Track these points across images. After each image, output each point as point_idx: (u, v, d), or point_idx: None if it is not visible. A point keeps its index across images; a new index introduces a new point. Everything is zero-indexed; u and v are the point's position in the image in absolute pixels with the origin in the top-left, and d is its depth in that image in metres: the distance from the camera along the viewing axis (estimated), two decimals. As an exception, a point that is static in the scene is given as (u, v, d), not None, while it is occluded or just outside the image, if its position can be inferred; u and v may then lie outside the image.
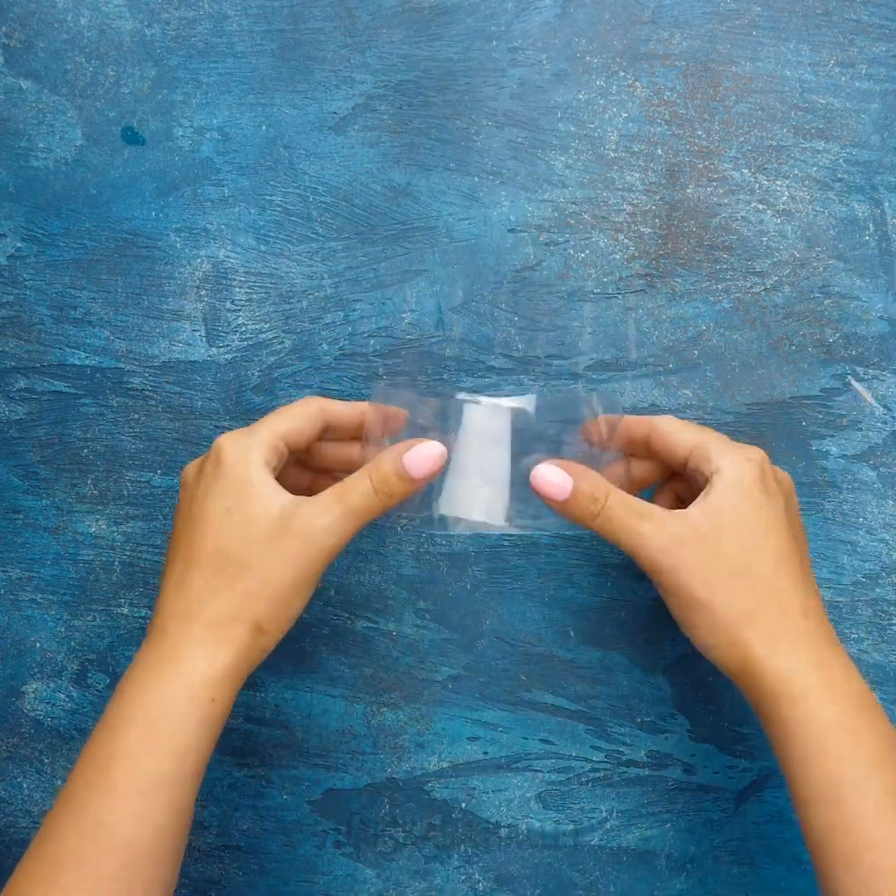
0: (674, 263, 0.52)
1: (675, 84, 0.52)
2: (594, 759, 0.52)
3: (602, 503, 0.40)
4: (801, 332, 0.51)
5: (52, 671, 0.53)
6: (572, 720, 0.52)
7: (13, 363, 0.54)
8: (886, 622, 0.51)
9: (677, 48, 0.52)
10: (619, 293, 0.52)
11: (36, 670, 0.53)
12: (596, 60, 0.52)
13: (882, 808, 0.37)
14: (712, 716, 0.51)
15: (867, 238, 0.51)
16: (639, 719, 0.51)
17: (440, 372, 0.52)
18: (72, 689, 0.53)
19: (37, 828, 0.47)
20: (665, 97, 0.52)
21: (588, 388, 0.51)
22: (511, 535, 0.52)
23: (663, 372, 0.52)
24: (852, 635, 0.51)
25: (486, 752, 0.52)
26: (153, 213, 0.53)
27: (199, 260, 0.53)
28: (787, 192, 0.51)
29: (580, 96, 0.52)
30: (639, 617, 0.51)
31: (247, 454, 0.41)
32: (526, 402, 0.43)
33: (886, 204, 0.51)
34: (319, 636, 0.52)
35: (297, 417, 0.44)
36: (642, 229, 0.52)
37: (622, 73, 0.52)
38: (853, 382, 0.51)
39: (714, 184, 0.52)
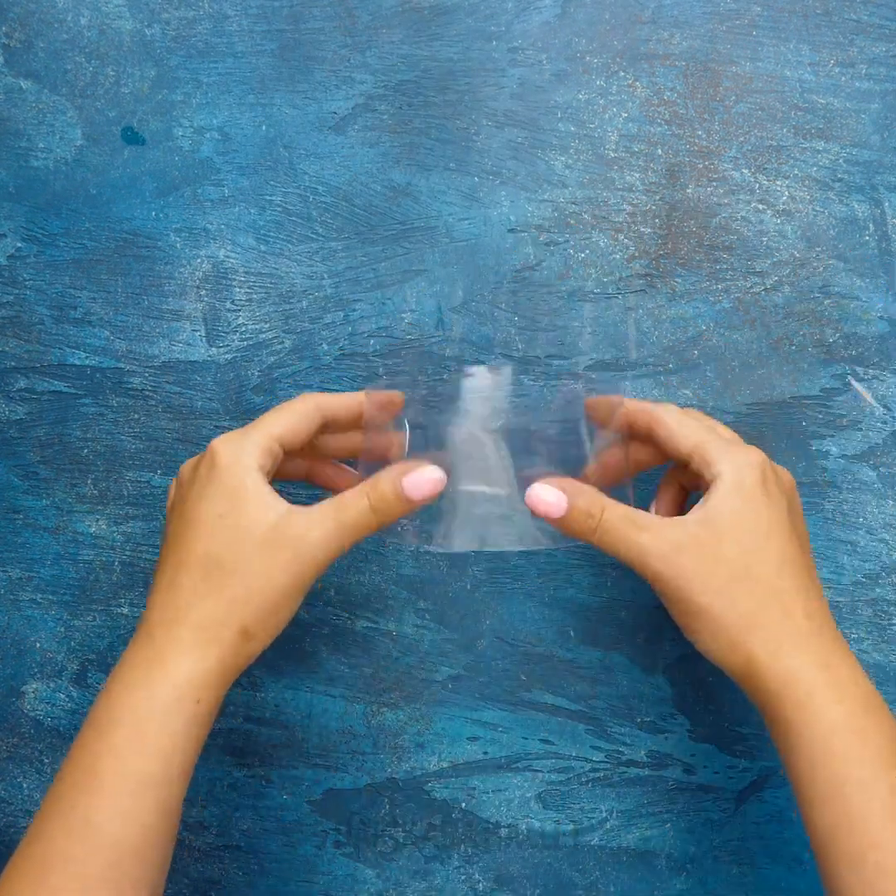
0: (674, 263, 0.52)
1: (675, 84, 0.52)
2: (594, 759, 0.52)
3: (598, 518, 0.40)
4: (801, 332, 0.51)
5: (52, 671, 0.53)
6: (572, 720, 0.52)
7: (13, 363, 0.54)
8: (886, 622, 0.51)
9: (677, 48, 0.52)
10: (619, 293, 0.52)
11: (36, 670, 0.53)
12: (596, 60, 0.52)
13: (888, 808, 0.37)
14: (712, 716, 0.51)
15: (867, 238, 0.51)
16: (639, 719, 0.51)
17: (440, 372, 0.52)
18: (72, 689, 0.53)
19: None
20: (665, 97, 0.52)
21: (588, 385, 0.51)
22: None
23: (663, 372, 0.52)
24: (852, 635, 0.51)
25: (486, 752, 0.52)
26: (153, 213, 0.53)
27: (199, 260, 0.53)
28: (787, 192, 0.51)
29: (580, 96, 0.52)
30: (639, 617, 0.51)
31: (241, 458, 0.41)
32: (506, 372, 0.44)
33: (886, 204, 0.51)
34: (319, 636, 0.52)
35: (294, 416, 0.43)
36: (642, 229, 0.52)
37: (622, 73, 0.52)
38: (853, 382, 0.51)
39: (714, 184, 0.52)
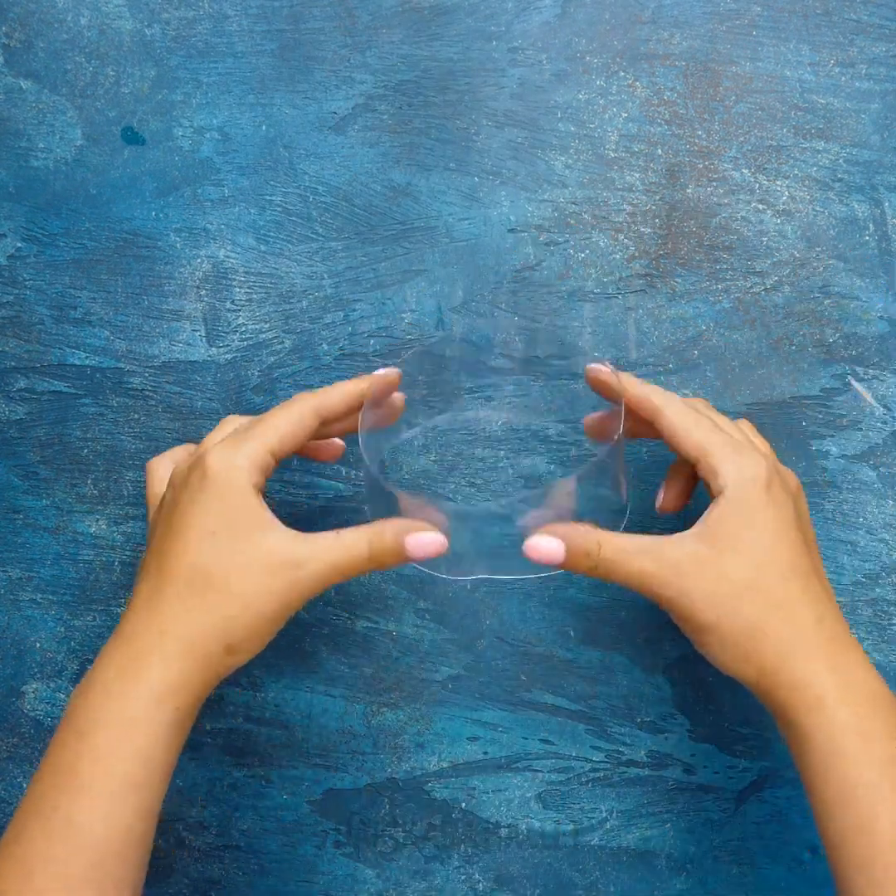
0: (674, 263, 0.52)
1: (675, 84, 0.52)
2: (594, 759, 0.52)
3: (596, 555, 0.40)
4: (801, 332, 0.51)
5: (52, 671, 0.53)
6: (572, 720, 0.52)
7: (13, 363, 0.54)
8: (886, 622, 0.51)
9: (677, 48, 0.52)
10: (619, 293, 0.52)
11: (36, 670, 0.53)
12: (596, 60, 0.52)
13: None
14: (712, 716, 0.51)
15: (867, 238, 0.51)
16: (639, 719, 0.51)
17: (440, 372, 0.52)
18: (72, 689, 0.53)
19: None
20: (665, 97, 0.52)
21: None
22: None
23: (663, 372, 0.52)
24: (852, 635, 0.51)
25: (486, 752, 0.52)
26: (153, 213, 0.53)
27: (199, 260, 0.53)
28: (787, 192, 0.51)
29: (580, 96, 0.52)
30: (639, 617, 0.51)
31: (234, 476, 0.41)
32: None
33: (886, 204, 0.51)
34: (319, 636, 0.52)
35: (290, 426, 0.42)
36: (642, 229, 0.52)
37: (622, 73, 0.52)
38: (853, 382, 0.51)
39: (714, 184, 0.52)
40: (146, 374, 0.53)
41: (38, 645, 0.53)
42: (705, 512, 0.41)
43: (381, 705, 0.52)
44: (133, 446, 0.53)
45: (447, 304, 0.52)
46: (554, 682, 0.52)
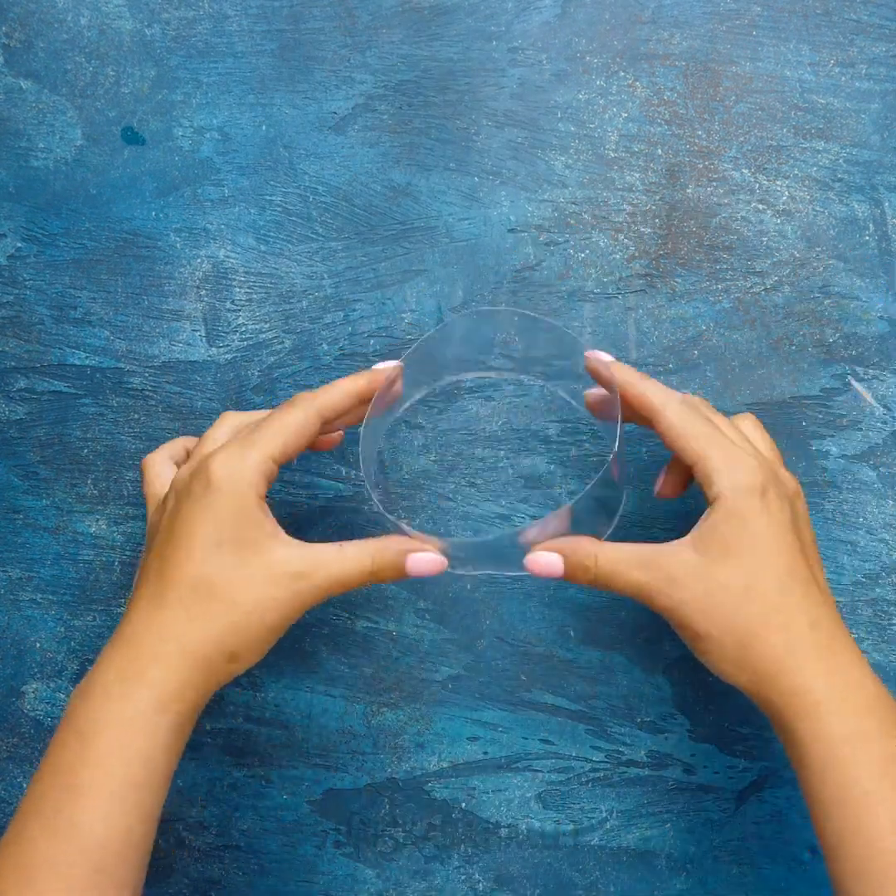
0: (674, 263, 0.52)
1: (675, 84, 0.52)
2: (594, 759, 0.52)
3: (594, 568, 0.41)
4: (801, 332, 0.51)
5: (52, 671, 0.53)
6: (572, 720, 0.52)
7: (13, 363, 0.54)
8: (886, 622, 0.51)
9: (677, 48, 0.52)
10: (619, 293, 0.52)
11: (36, 670, 0.53)
12: (596, 60, 0.52)
13: (891, 816, 0.37)
14: (712, 716, 0.51)
15: (867, 238, 0.51)
16: (639, 719, 0.51)
17: (440, 372, 0.52)
18: (72, 689, 0.53)
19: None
20: (665, 97, 0.52)
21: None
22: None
23: (663, 372, 0.52)
24: (852, 635, 0.51)
25: (486, 752, 0.52)
26: (153, 213, 0.53)
27: (199, 260, 0.53)
28: (787, 192, 0.51)
29: (580, 96, 0.52)
30: (639, 617, 0.51)
31: (239, 486, 0.41)
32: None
33: (886, 204, 0.51)
34: (319, 636, 0.52)
35: (292, 433, 0.42)
36: (642, 229, 0.52)
37: (622, 73, 0.52)
38: (853, 382, 0.51)
39: (714, 184, 0.52)
40: (146, 374, 0.53)
41: (38, 645, 0.53)
42: (700, 519, 0.41)
43: (381, 705, 0.52)
44: (133, 446, 0.53)
45: (447, 304, 0.52)
46: (554, 682, 0.52)
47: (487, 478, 0.52)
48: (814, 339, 0.51)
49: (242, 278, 0.53)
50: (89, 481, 0.53)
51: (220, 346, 0.53)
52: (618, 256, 0.52)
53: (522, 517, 0.52)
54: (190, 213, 0.53)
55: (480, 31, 0.52)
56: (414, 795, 0.52)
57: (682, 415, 0.42)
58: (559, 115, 0.52)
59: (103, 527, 0.53)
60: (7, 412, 0.54)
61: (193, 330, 0.53)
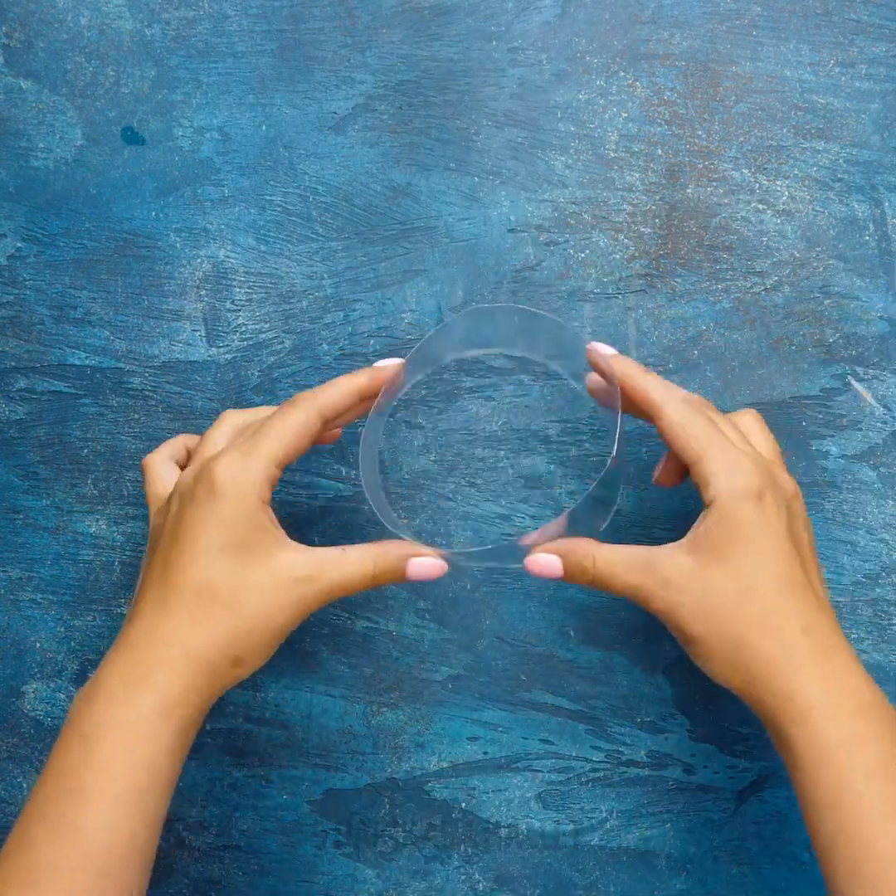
0: (674, 263, 0.52)
1: (675, 84, 0.52)
2: (594, 759, 0.52)
3: (591, 569, 0.41)
4: (801, 332, 0.51)
5: (52, 671, 0.53)
6: (572, 720, 0.52)
7: (13, 363, 0.54)
8: (886, 622, 0.51)
9: (677, 48, 0.52)
10: (619, 293, 0.52)
11: (36, 670, 0.53)
12: (596, 60, 0.52)
13: (883, 820, 0.37)
14: (712, 716, 0.51)
15: (867, 238, 0.51)
16: (639, 719, 0.51)
17: (440, 372, 0.52)
18: (72, 688, 0.53)
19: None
20: (665, 97, 0.52)
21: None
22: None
23: (663, 372, 0.52)
24: (852, 635, 0.51)
25: (486, 752, 0.52)
26: (153, 213, 0.53)
27: (199, 260, 0.53)
28: (787, 192, 0.51)
29: (580, 96, 0.52)
30: (639, 617, 0.51)
31: (242, 492, 0.41)
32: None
33: (886, 204, 0.51)
34: (319, 636, 0.52)
35: (295, 436, 0.42)
36: (642, 229, 0.52)
37: (622, 73, 0.52)
38: (853, 382, 0.51)
39: (714, 184, 0.52)
40: (146, 374, 0.53)
41: (38, 645, 0.53)
42: (696, 521, 0.41)
43: (381, 705, 0.52)
44: (133, 446, 0.53)
45: (447, 304, 0.52)
46: (554, 682, 0.52)
47: (487, 478, 0.52)
48: (814, 339, 0.51)
49: (242, 278, 0.53)
50: (89, 481, 0.53)
51: (220, 346, 0.53)
52: (618, 256, 0.52)
53: (522, 517, 0.52)
54: (190, 213, 0.53)
55: (480, 31, 0.52)
56: (414, 795, 0.52)
57: (682, 413, 0.42)
58: (559, 115, 0.52)
59: (103, 527, 0.53)
60: (7, 412, 0.54)
61: (193, 330, 0.53)
